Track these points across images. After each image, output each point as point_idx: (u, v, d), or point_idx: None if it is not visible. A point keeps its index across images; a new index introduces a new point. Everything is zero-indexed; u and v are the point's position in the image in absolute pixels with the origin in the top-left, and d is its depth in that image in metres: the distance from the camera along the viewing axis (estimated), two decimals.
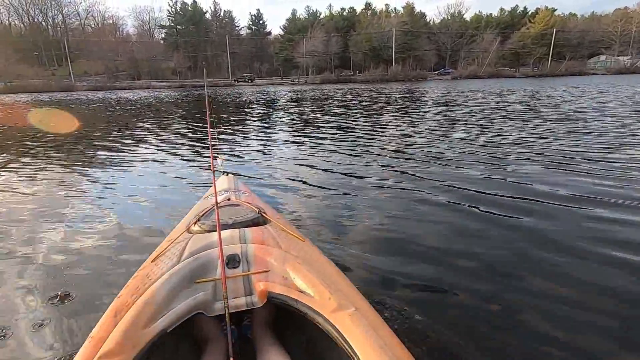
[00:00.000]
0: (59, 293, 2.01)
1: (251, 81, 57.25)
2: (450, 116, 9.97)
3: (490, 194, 3.48)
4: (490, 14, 74.78)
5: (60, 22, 74.27)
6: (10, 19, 71.27)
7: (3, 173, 5.06)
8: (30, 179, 4.64)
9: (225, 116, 12.15)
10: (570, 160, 4.60)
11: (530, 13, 70.10)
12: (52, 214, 3.31)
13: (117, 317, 0.99)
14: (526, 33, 60.95)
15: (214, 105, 17.04)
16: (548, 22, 59.09)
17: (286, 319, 1.36)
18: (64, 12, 73.58)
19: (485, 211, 3.08)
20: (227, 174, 2.53)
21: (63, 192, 3.99)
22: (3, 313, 1.89)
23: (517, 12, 73.55)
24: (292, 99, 20.75)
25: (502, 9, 75.28)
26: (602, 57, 59.14)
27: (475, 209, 3.13)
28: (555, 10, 62.84)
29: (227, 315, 1.09)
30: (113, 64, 64.80)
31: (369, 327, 0.96)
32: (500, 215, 2.99)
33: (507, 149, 5.46)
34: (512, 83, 33.26)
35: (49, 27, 73.16)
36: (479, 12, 74.89)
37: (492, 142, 6.11)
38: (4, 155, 6.40)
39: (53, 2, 71.81)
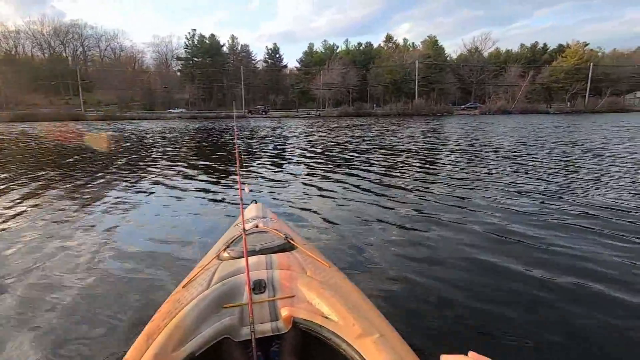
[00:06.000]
0: (94, 315, 2.11)
1: (265, 113, 55.00)
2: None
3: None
4: (510, 50, 73.34)
5: (80, 54, 75.35)
6: (32, 50, 72.63)
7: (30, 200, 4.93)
8: (57, 206, 4.55)
9: (247, 148, 12.07)
10: None
11: (551, 49, 68.26)
12: (84, 240, 3.33)
13: (150, 340, 1.03)
14: (558, 67, 57.67)
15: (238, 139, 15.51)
16: (582, 57, 56.03)
17: (313, 345, 1.32)
18: (84, 44, 74.84)
19: (512, 245, 3.11)
20: (256, 202, 2.58)
21: (94, 219, 4.00)
22: (39, 337, 1.92)
23: (537, 48, 71.85)
24: (310, 132, 17.80)
25: (522, 45, 73.90)
26: (639, 94, 55.27)
27: (501, 238, 3.25)
28: (587, 44, 59.83)
29: (253, 340, 1.09)
30: (127, 94, 64.05)
31: (394, 353, 0.95)
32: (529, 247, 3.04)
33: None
34: (552, 120, 29.49)
35: (69, 58, 74.12)
36: (497, 48, 72.88)
37: None
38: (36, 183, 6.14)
39: (75, 35, 73.23)
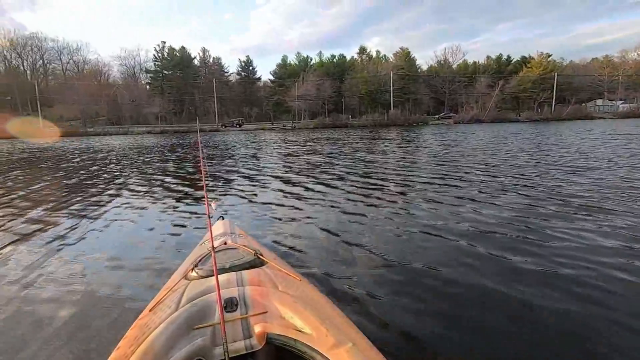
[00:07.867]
0: (49, 344, 1.94)
1: (239, 126, 53.50)
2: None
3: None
4: (478, 61, 76.13)
5: (39, 67, 71.00)
6: None
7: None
8: (17, 231, 4.20)
9: (216, 163, 11.51)
10: None
11: (515, 60, 71.42)
12: (38, 264, 3.11)
13: None
14: (525, 77, 59.89)
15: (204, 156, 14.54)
16: (546, 67, 58.54)
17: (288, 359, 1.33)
18: (44, 57, 70.66)
19: (487, 253, 3.13)
20: (223, 218, 2.52)
21: (58, 240, 3.81)
22: None
23: (502, 60, 74.94)
24: (283, 145, 16.83)
25: (488, 57, 76.82)
26: (599, 102, 58.11)
27: (472, 247, 3.26)
28: (550, 55, 62.71)
29: (226, 359, 1.07)
30: (92, 109, 60.59)
31: None
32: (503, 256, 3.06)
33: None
34: (527, 128, 30.07)
35: (27, 71, 69.62)
36: (465, 59, 75.50)
37: None
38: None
39: (34, 48, 69.04)
